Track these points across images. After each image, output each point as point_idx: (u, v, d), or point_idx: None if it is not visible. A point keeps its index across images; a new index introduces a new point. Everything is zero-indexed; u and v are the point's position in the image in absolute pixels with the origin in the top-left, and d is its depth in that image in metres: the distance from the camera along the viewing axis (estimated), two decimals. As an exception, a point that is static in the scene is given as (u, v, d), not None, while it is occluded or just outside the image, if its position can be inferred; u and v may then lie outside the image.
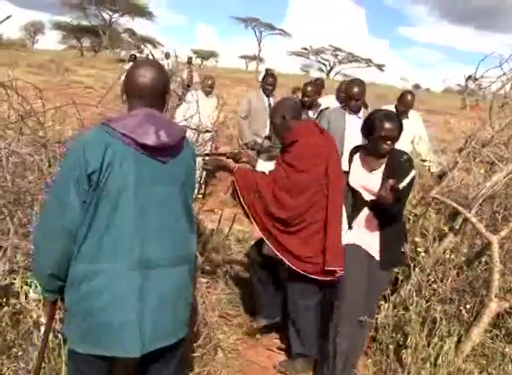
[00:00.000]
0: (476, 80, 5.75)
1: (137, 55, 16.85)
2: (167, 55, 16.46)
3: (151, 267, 2.32)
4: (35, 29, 57.45)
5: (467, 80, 5.67)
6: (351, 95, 5.65)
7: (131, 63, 16.98)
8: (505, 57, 5.20)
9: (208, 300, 4.25)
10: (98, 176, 2.21)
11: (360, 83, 5.70)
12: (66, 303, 2.39)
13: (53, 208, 2.30)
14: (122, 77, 2.73)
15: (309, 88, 7.03)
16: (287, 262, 3.90)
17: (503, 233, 4.20)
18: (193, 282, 2.66)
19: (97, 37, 49.86)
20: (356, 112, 5.65)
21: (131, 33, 53.49)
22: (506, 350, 4.12)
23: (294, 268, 3.88)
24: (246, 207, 3.93)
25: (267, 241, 3.95)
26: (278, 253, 3.91)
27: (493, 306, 3.98)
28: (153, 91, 2.39)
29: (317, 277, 3.85)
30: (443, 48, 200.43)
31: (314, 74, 53.94)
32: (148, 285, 2.31)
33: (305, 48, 74.19)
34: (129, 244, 2.28)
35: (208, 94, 8.57)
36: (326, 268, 3.79)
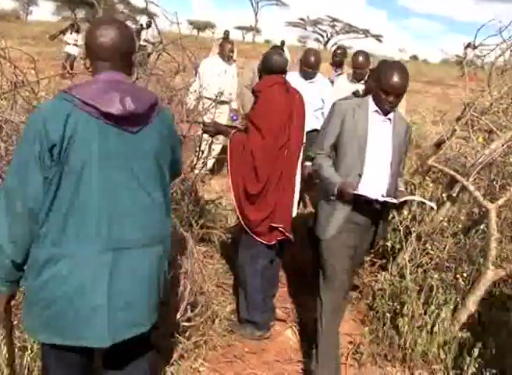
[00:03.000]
0: (475, 47, 5.66)
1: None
2: (148, 25, 15.70)
3: (122, 248, 2.13)
4: (29, 0, 56.82)
5: (466, 48, 5.55)
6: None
7: (71, 34, 16.29)
8: (505, 24, 5.11)
9: (205, 269, 4.25)
10: (60, 149, 2.01)
11: (315, 52, 5.99)
12: (25, 291, 2.19)
13: (13, 187, 2.06)
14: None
15: (361, 58, 5.89)
16: (243, 224, 3.96)
17: (500, 202, 4.17)
18: (166, 264, 2.41)
19: (92, 8, 49.10)
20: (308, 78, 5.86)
21: (126, 3, 52.81)
22: (504, 318, 4.14)
23: (247, 230, 3.95)
24: (229, 169, 3.92)
25: (235, 204, 3.98)
26: (239, 215, 3.97)
27: (490, 274, 3.97)
28: (116, 52, 2.16)
29: (262, 241, 3.95)
30: (442, 18, 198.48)
31: (312, 45, 53.43)
32: (119, 268, 2.12)
33: (302, 19, 73.70)
34: (95, 224, 2.08)
35: (227, 60, 7.73)
36: (272, 224, 3.91)
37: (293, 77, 5.24)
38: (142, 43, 13.99)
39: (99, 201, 2.08)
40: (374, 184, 3.38)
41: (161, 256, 2.31)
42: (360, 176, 3.36)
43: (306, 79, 5.81)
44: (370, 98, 3.43)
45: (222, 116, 7.21)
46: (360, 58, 5.86)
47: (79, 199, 2.05)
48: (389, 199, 3.30)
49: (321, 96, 5.83)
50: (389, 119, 3.43)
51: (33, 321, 2.16)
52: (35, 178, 2.02)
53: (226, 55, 7.63)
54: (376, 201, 3.30)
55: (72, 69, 13.68)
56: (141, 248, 2.20)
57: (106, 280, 2.09)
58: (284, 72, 4.03)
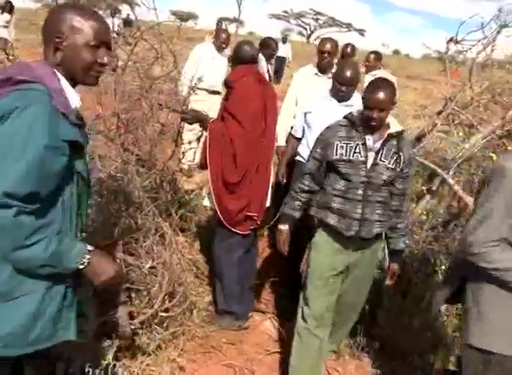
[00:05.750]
0: (457, 42, 5.67)
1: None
2: (113, 13, 14.17)
3: None
4: (8, -14, 55.84)
5: (448, 43, 5.56)
6: None
7: (1, 14, 13.29)
8: (486, 20, 5.14)
9: (184, 260, 4.21)
10: None
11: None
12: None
13: None
14: None
15: (372, 56, 6.86)
16: (219, 215, 3.94)
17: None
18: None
19: (74, -4, 48.61)
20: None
21: (108, -9, 52.25)
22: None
23: (222, 220, 3.94)
24: (208, 158, 3.88)
25: (212, 194, 3.94)
26: (215, 206, 3.94)
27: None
28: (43, 35, 2.01)
29: (238, 231, 3.97)
30: (425, 13, 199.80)
31: (295, 38, 53.40)
32: None
33: (286, 12, 73.56)
34: None
35: (221, 49, 7.50)
36: (246, 213, 3.94)
37: (321, 102, 4.33)
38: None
39: None
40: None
41: None
42: None
43: (339, 101, 4.30)
44: None
45: (215, 106, 7.09)
46: (327, 45, 5.01)
47: None
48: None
49: None
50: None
51: None
52: None
53: (220, 44, 7.45)
54: None
55: (6, 54, 12.84)
56: None
57: None
58: (255, 62, 4.03)
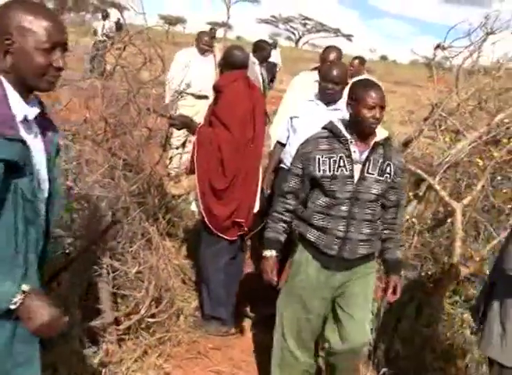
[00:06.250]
0: (445, 49, 5.71)
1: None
2: (104, 16, 13.93)
3: None
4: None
5: (435, 49, 5.60)
6: None
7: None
8: (474, 27, 5.18)
9: (171, 265, 4.20)
10: None
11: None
12: None
13: None
14: None
15: (356, 61, 7.04)
16: (206, 221, 3.95)
17: (465, 201, 4.23)
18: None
19: (61, -1, 48.42)
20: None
21: (97, -5, 52.08)
22: (465, 316, 4.19)
23: (210, 226, 3.94)
24: (196, 164, 3.88)
25: (199, 200, 3.94)
26: (203, 211, 3.95)
27: (454, 273, 4.02)
28: None
29: (226, 237, 3.97)
30: (413, 19, 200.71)
31: (283, 43, 53.50)
32: None
33: (274, 16, 73.70)
34: None
35: (204, 53, 7.31)
36: (236, 220, 3.94)
37: (308, 105, 4.21)
38: (100, 38, 12.51)
39: None
40: None
41: None
42: None
43: (327, 103, 4.17)
44: None
45: (203, 111, 6.99)
46: (333, 54, 4.82)
47: None
48: None
49: None
50: None
51: None
52: None
53: (202, 47, 7.31)
54: None
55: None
56: None
57: None
58: (246, 67, 4.04)
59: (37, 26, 1.75)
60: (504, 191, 4.65)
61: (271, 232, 3.17)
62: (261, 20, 74.80)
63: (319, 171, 2.94)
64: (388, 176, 2.96)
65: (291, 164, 3.15)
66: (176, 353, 3.78)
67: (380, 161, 2.95)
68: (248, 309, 4.53)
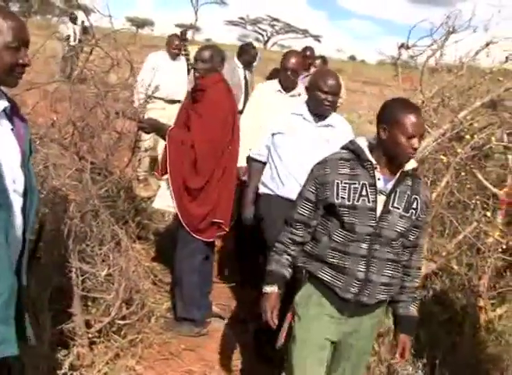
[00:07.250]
0: (408, 48, 5.80)
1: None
2: (73, 19, 13.62)
3: None
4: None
5: (399, 48, 5.68)
6: None
7: None
8: (436, 25, 5.27)
9: (141, 267, 4.20)
10: None
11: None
12: None
13: None
14: None
15: (318, 62, 6.83)
16: (181, 220, 3.95)
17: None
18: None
19: (27, 2, 47.73)
20: None
21: (63, -2, 51.45)
22: (434, 310, 4.27)
23: (185, 227, 3.94)
24: (168, 166, 3.89)
25: (173, 200, 3.94)
26: (178, 212, 3.95)
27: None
28: None
29: (202, 238, 3.98)
30: (380, 20, 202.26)
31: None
32: None
33: (242, 18, 73.70)
34: None
35: (174, 56, 7.33)
36: (214, 220, 3.96)
37: (294, 120, 3.71)
38: (73, 43, 12.36)
39: None
40: None
41: None
42: None
43: (319, 117, 3.71)
44: None
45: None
46: (292, 60, 4.51)
47: None
48: None
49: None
50: None
51: None
52: None
53: (172, 51, 7.32)
54: None
55: None
56: None
57: None
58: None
59: (5, 26, 1.86)
60: (468, 186, 4.74)
61: (274, 265, 2.70)
62: (229, 22, 74.79)
63: (338, 198, 2.49)
64: (413, 212, 2.53)
65: (303, 187, 2.68)
66: (147, 355, 3.78)
67: (407, 194, 2.53)
68: (219, 309, 4.55)
